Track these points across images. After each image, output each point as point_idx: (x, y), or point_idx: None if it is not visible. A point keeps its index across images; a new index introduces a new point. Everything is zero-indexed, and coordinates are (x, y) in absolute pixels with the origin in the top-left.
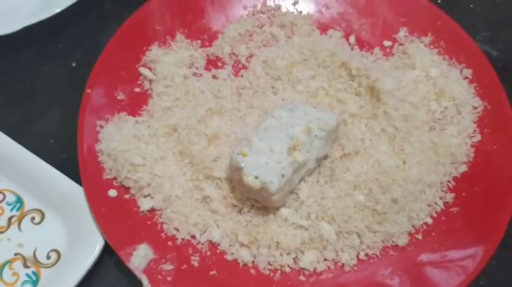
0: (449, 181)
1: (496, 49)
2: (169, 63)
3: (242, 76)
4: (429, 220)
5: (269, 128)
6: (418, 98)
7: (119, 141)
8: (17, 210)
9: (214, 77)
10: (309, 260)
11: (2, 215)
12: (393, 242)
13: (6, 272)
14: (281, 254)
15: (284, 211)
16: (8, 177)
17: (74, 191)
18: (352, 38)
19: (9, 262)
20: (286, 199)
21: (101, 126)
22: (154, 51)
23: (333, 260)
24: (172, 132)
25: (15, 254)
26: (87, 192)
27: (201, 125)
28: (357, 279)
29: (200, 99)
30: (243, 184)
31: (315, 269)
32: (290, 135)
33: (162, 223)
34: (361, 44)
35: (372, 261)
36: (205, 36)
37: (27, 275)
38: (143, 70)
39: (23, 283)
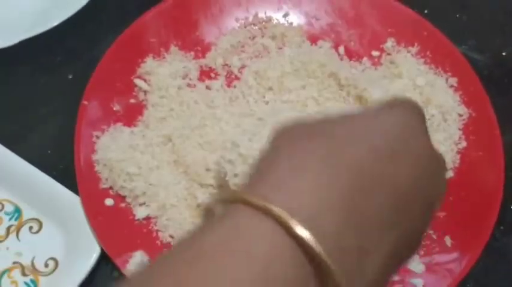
0: None
1: (482, 57)
2: (163, 74)
3: (235, 87)
4: None
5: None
6: None
7: (115, 151)
8: (15, 219)
9: (207, 87)
10: None
11: (1, 225)
12: None
13: (5, 281)
14: None
15: None
16: (6, 187)
17: (71, 200)
18: (341, 49)
19: (8, 270)
20: None
21: (97, 137)
22: (149, 63)
23: None
24: (167, 142)
25: (14, 262)
26: (84, 201)
27: (195, 135)
28: None
29: (194, 110)
30: None
31: None
32: None
33: (157, 231)
34: (350, 54)
35: None
36: (199, 48)
37: (26, 283)
38: (138, 82)
39: None
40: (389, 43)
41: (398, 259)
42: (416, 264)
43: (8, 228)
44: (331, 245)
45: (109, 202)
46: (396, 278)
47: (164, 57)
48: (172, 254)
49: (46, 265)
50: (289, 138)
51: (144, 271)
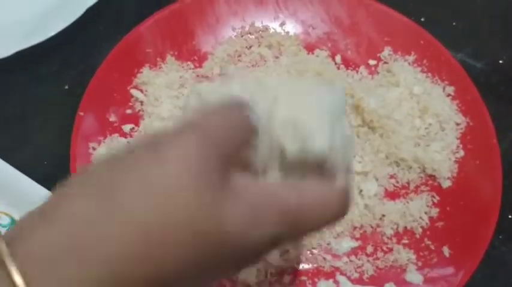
0: (433, 196)
1: (479, 65)
2: (160, 84)
3: None
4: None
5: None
6: (402, 115)
7: None
8: None
9: None
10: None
11: None
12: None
13: None
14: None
15: None
16: (1, 199)
17: None
18: (338, 58)
19: None
20: None
21: (94, 149)
22: (146, 73)
23: None
24: None
25: None
26: None
27: None
28: None
29: None
30: None
31: None
32: None
33: None
34: (347, 63)
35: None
36: (195, 57)
37: None
38: (135, 92)
39: None
40: (386, 52)
41: None
42: (414, 275)
43: None
44: None
45: None
46: None
47: (161, 67)
48: None
49: None
50: (65, 194)
51: None
